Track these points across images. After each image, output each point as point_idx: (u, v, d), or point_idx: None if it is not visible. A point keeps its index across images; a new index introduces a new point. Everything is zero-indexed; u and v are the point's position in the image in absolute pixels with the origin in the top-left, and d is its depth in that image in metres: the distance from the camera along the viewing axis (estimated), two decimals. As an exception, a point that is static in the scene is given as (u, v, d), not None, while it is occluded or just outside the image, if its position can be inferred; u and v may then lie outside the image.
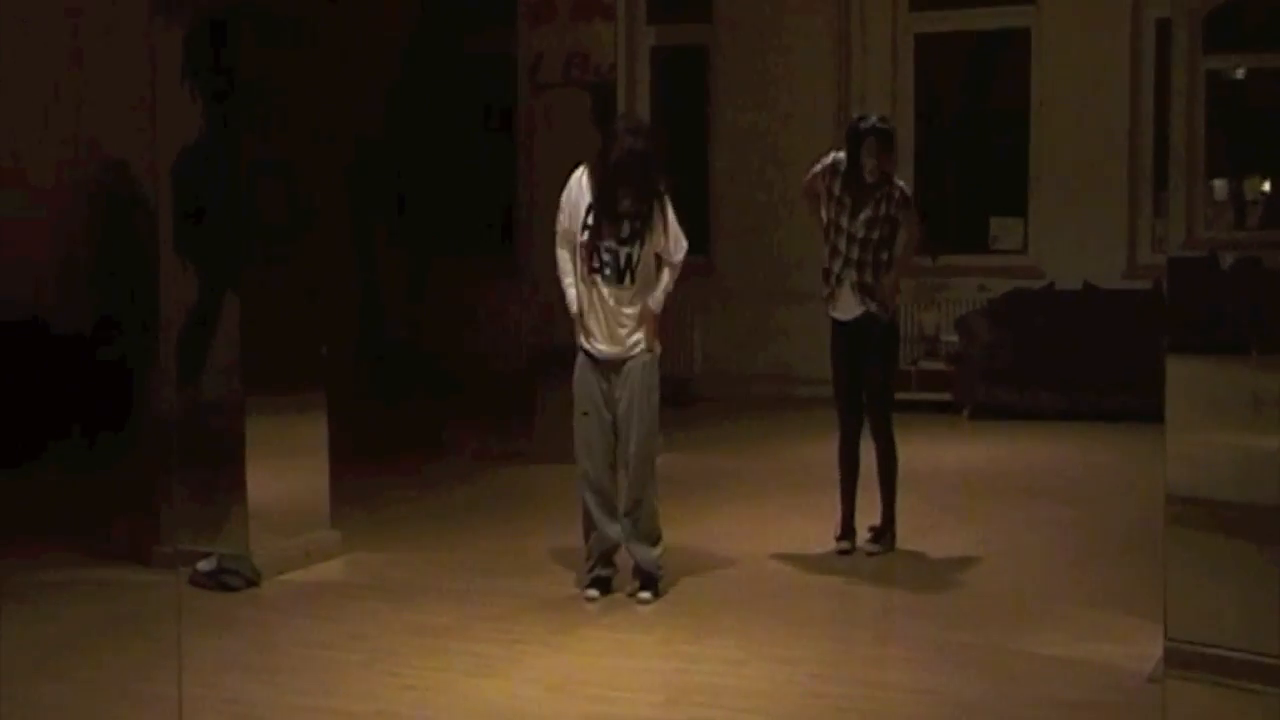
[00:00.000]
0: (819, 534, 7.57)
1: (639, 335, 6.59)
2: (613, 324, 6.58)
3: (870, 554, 7.44)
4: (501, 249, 13.39)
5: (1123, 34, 12.56)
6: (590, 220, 6.54)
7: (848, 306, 7.35)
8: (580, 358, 6.66)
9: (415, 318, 14.11)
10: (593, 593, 6.66)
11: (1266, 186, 9.73)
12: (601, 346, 6.60)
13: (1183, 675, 5.10)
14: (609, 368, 6.61)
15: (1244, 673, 5.01)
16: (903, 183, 7.50)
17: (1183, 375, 5.22)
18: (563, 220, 6.65)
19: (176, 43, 7.07)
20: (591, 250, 6.55)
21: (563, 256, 6.67)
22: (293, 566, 7.14)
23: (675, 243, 6.63)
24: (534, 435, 10.27)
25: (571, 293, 6.64)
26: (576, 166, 6.71)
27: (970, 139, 13.95)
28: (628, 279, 6.55)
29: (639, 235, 6.53)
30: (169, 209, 7.17)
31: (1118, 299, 12.07)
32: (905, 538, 7.68)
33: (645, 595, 6.62)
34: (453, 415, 12.25)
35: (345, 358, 10.07)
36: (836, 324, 7.44)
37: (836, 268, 7.34)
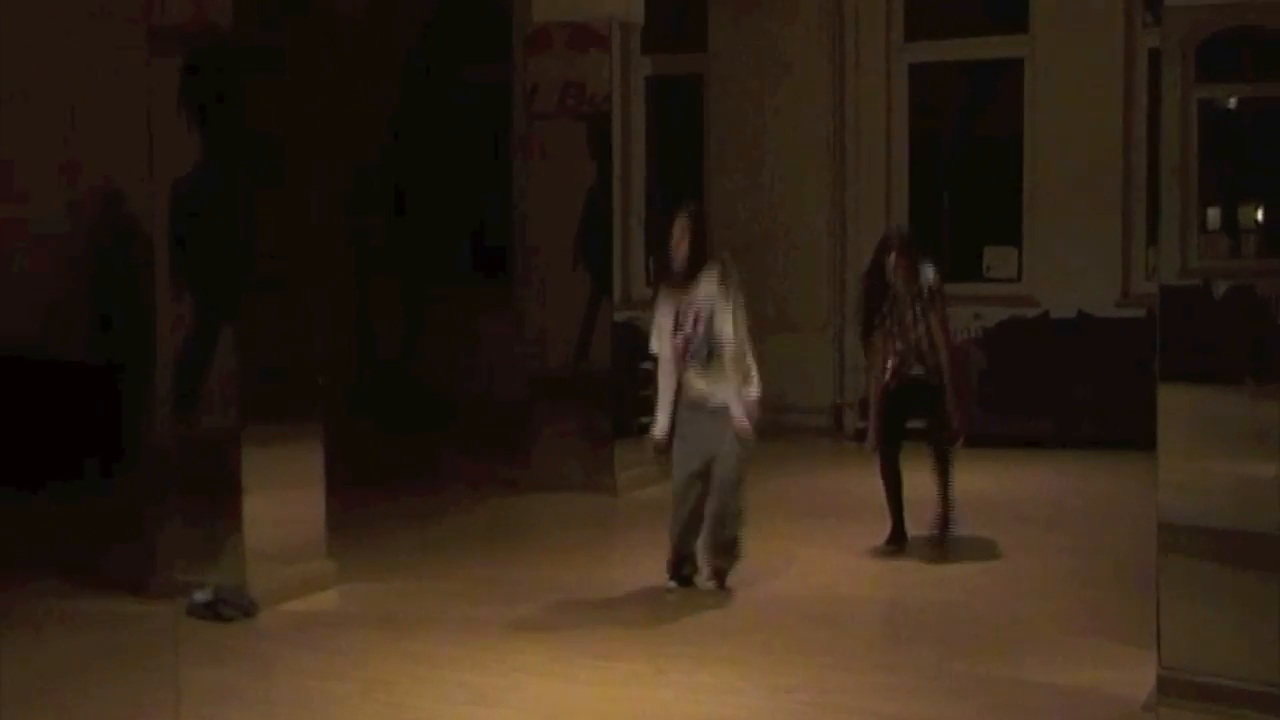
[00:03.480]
0: (815, 561, 7.58)
1: None
2: None
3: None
4: (498, 277, 13.43)
5: (1116, 64, 12.59)
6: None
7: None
8: None
9: (412, 347, 14.11)
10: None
11: (1260, 215, 9.74)
12: None
13: (1177, 703, 5.12)
14: None
15: (1237, 700, 5.03)
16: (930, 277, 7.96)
17: (1175, 403, 5.26)
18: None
19: (173, 72, 7.11)
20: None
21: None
22: (289, 597, 7.13)
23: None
24: (530, 464, 10.27)
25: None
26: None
27: (964, 168, 13.97)
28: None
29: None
30: (165, 239, 7.20)
31: (1111, 327, 12.08)
32: (899, 566, 7.70)
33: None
34: (449, 445, 12.24)
35: (341, 387, 10.06)
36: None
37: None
